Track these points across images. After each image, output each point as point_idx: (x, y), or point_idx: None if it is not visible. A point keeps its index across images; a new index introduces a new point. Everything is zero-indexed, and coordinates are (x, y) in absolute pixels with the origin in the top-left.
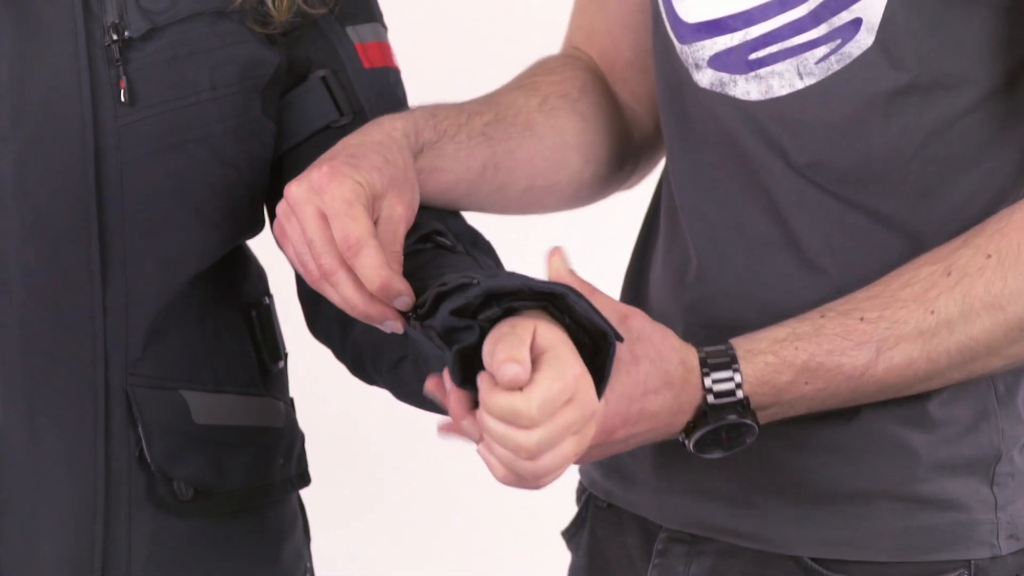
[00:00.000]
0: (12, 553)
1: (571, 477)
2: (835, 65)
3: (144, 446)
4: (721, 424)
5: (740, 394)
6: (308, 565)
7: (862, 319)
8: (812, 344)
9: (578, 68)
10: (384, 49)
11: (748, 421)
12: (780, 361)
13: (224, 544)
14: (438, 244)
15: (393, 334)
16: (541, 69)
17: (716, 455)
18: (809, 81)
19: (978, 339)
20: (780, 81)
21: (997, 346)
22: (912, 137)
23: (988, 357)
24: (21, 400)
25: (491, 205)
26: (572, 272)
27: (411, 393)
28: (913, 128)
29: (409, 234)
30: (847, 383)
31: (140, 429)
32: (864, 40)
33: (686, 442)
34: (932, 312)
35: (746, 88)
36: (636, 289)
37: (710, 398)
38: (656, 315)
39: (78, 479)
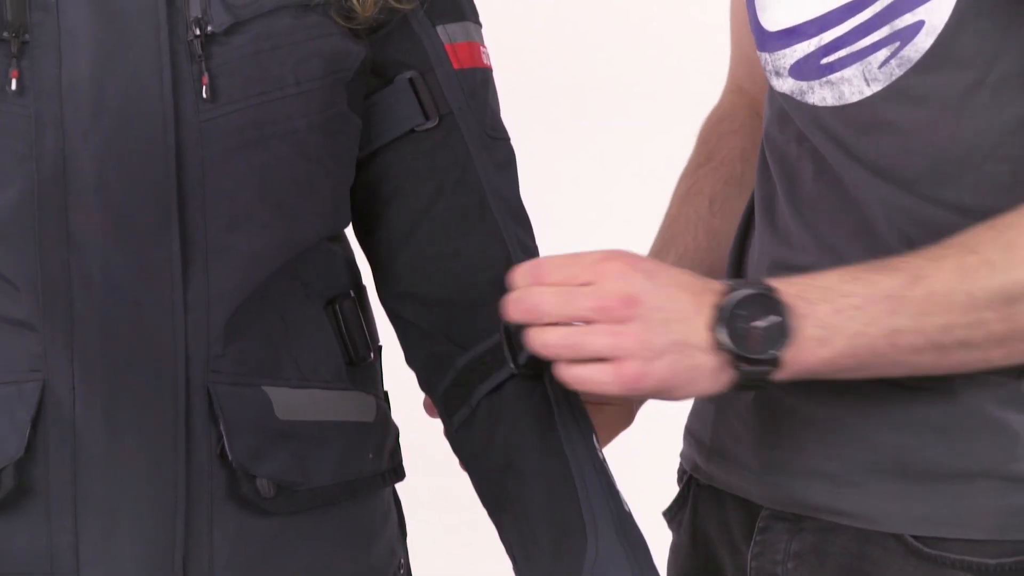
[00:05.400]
0: (91, 551)
1: (672, 459)
2: (897, 70)
3: (226, 443)
4: (752, 292)
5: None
6: (402, 561)
7: (898, 261)
8: (846, 270)
9: (736, 131)
10: (474, 49)
11: (774, 295)
12: (814, 277)
13: (309, 541)
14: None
15: None
16: (702, 154)
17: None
18: (876, 87)
19: (1021, 283)
20: (850, 88)
21: None
22: (985, 138)
23: None
24: (100, 397)
25: None
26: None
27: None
28: (985, 130)
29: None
30: (885, 304)
31: (222, 426)
32: (923, 43)
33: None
34: (973, 252)
35: (821, 95)
36: (736, 271)
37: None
38: None
39: (158, 477)
